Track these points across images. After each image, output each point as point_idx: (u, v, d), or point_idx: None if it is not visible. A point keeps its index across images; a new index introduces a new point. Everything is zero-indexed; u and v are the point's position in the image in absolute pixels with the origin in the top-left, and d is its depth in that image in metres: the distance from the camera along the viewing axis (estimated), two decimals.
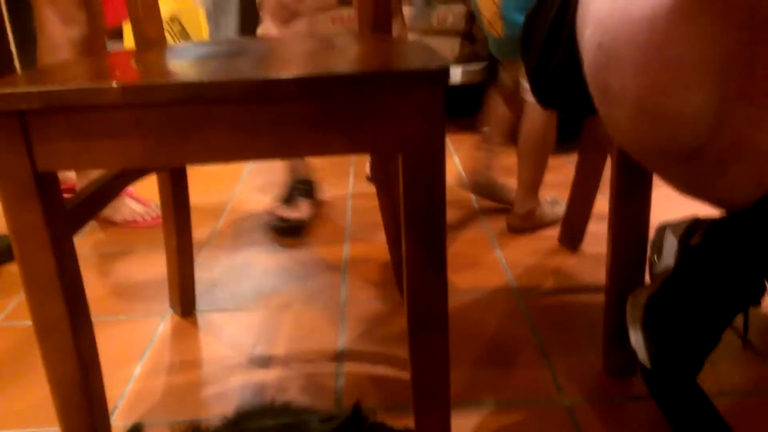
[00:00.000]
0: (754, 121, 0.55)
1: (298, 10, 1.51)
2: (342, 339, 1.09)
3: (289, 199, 1.60)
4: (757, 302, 0.72)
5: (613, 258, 0.92)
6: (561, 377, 0.96)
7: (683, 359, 0.71)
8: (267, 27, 1.50)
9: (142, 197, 1.66)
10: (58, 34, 1.37)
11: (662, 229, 0.86)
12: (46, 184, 0.65)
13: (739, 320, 0.77)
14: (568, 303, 1.19)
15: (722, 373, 0.95)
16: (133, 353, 1.07)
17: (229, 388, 0.97)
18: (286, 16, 1.50)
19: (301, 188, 1.63)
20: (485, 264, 1.35)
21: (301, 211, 1.59)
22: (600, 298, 0.97)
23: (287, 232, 1.55)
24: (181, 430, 0.47)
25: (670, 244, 0.80)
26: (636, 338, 0.74)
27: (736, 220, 0.66)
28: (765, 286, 0.72)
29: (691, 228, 0.78)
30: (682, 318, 0.70)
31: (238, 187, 1.93)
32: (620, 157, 0.86)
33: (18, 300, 1.26)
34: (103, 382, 0.78)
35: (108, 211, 1.61)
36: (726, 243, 0.67)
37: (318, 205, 1.70)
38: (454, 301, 0.73)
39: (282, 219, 1.55)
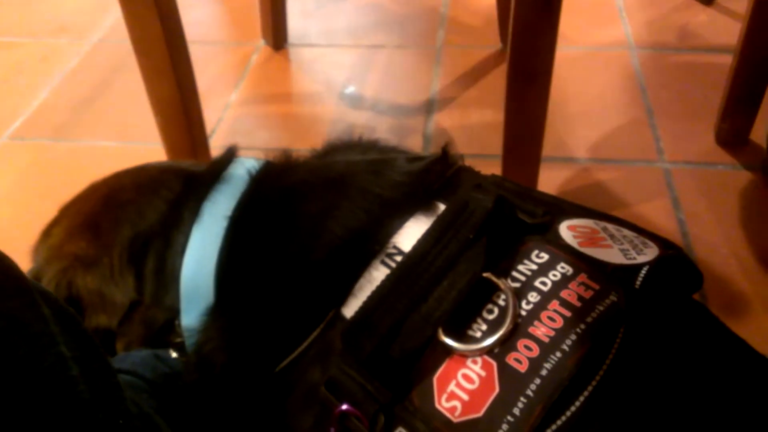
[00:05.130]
0: None
1: None
2: (435, 85, 1.05)
3: None
4: None
5: (752, 17, 0.80)
6: (665, 141, 0.91)
7: None
8: None
9: None
10: None
11: None
12: None
13: None
14: (688, 63, 1.07)
15: None
16: (228, 82, 1.08)
17: (319, 122, 0.99)
18: None
19: None
20: (603, 13, 1.22)
21: None
22: (727, 60, 0.87)
23: None
24: (274, 156, 0.48)
25: None
26: None
27: None
28: None
29: None
30: None
31: None
32: None
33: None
34: (200, 105, 0.80)
35: None
36: None
37: None
38: (560, 52, 0.66)
39: None
